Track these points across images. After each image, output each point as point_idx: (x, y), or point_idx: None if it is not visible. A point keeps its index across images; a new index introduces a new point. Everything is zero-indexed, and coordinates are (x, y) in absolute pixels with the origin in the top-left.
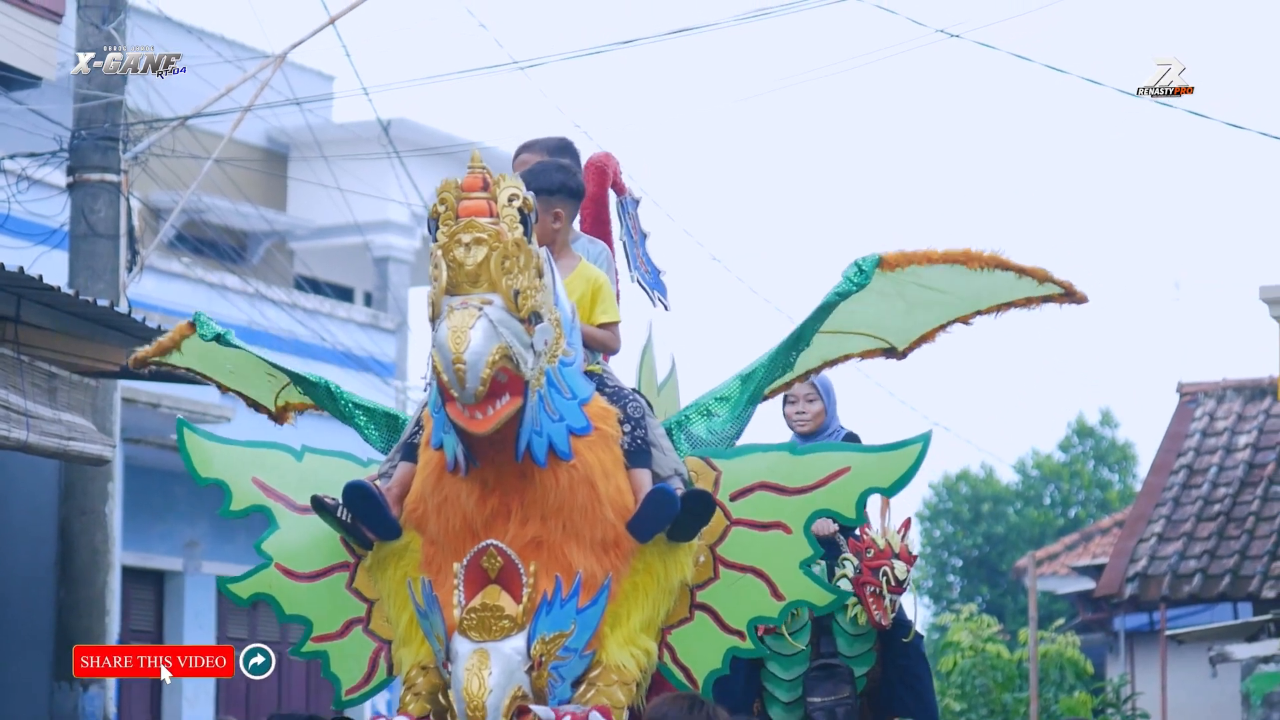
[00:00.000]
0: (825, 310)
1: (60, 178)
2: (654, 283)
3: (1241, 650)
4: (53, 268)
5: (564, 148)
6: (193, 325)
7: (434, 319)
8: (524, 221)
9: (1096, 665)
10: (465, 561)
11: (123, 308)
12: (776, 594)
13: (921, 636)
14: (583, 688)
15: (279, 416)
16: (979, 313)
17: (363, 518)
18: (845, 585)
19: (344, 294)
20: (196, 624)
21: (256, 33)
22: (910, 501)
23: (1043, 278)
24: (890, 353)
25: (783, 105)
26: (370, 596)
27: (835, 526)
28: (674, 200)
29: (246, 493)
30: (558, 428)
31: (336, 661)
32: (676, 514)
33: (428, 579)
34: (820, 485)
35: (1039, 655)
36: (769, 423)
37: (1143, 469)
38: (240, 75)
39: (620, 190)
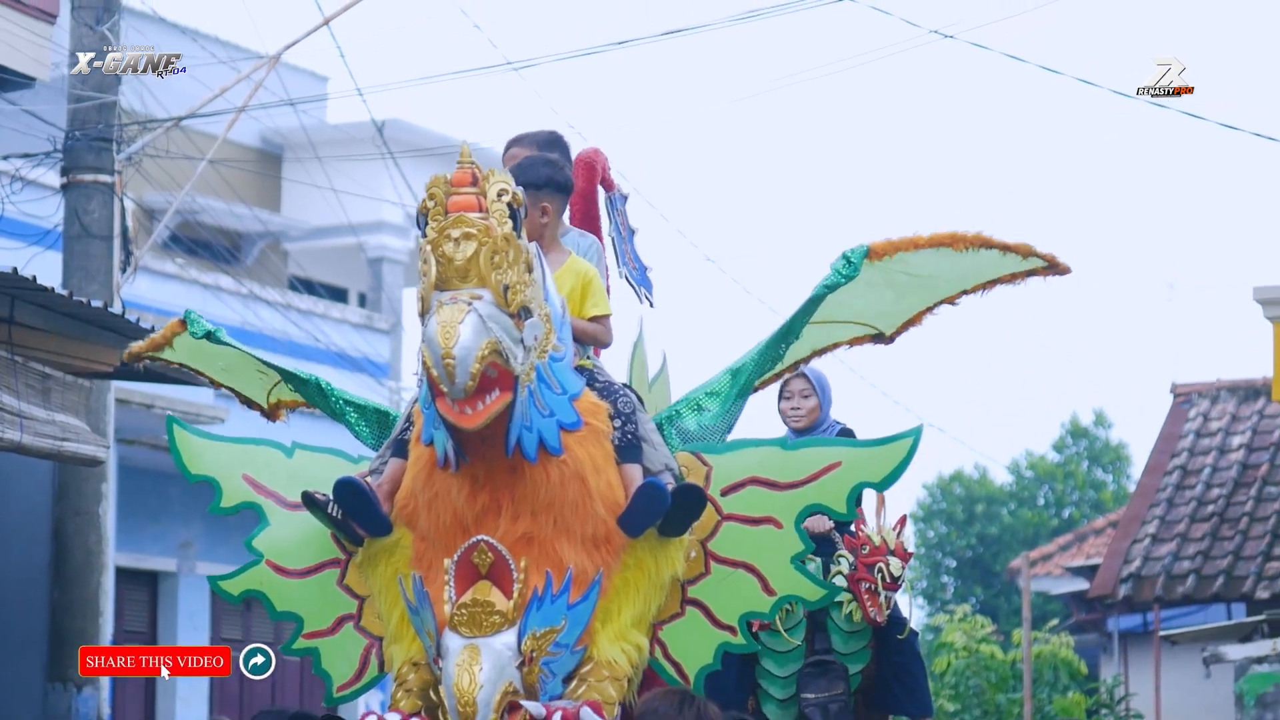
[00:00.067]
0: (814, 303)
1: (54, 178)
2: (641, 279)
3: (1235, 651)
4: (47, 268)
5: (553, 142)
6: (183, 323)
7: (423, 314)
8: (513, 216)
9: (1090, 666)
10: (456, 557)
11: (117, 308)
12: (768, 589)
13: (916, 634)
14: (574, 683)
15: (271, 413)
16: (965, 292)
17: (353, 514)
18: (840, 582)
19: (338, 295)
20: (190, 625)
21: (250, 33)
22: (904, 502)
23: (1026, 253)
24: (878, 338)
25: (777, 106)
26: (361, 593)
27: (831, 523)
28: (668, 200)
29: (237, 490)
30: (548, 423)
31: (328, 658)
32: (667, 508)
33: (418, 575)
34: (811, 480)
35: (1033, 656)
36: (764, 418)
37: (1137, 470)
38: (234, 76)
39: (609, 186)
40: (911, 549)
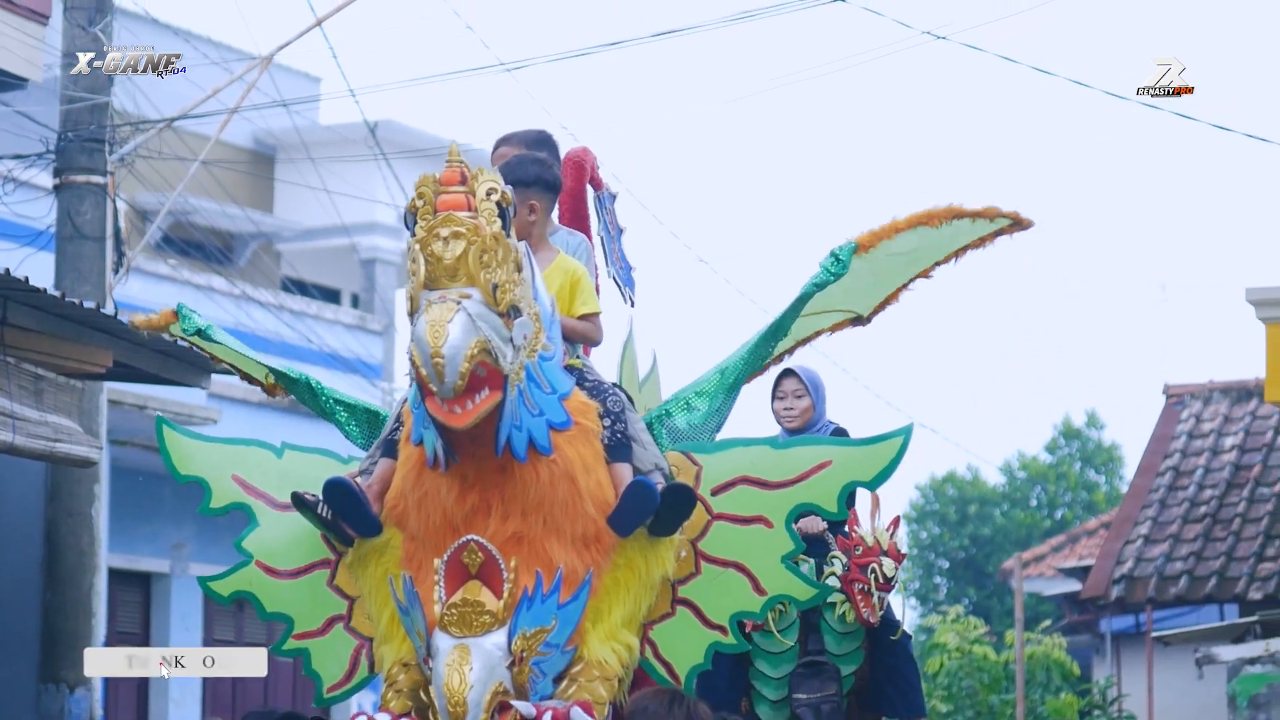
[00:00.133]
0: (803, 301)
1: (46, 179)
2: (625, 278)
3: (1228, 652)
4: (39, 269)
5: (542, 141)
6: (176, 314)
7: (412, 313)
8: (502, 215)
9: (1083, 667)
10: (446, 557)
11: (109, 310)
12: (758, 588)
13: (910, 636)
14: (564, 683)
15: (270, 390)
16: (937, 263)
17: (343, 514)
18: (834, 583)
19: (331, 296)
20: (183, 626)
21: (243, 34)
22: (897, 503)
23: (993, 215)
24: (856, 321)
25: (769, 107)
26: (351, 593)
27: (824, 524)
28: (660, 201)
29: (226, 490)
30: (537, 422)
31: (318, 659)
32: (656, 507)
33: (408, 575)
34: (802, 479)
35: (1025, 657)
36: (756, 417)
37: (1129, 471)
38: (227, 77)
39: (598, 185)
40: (905, 550)
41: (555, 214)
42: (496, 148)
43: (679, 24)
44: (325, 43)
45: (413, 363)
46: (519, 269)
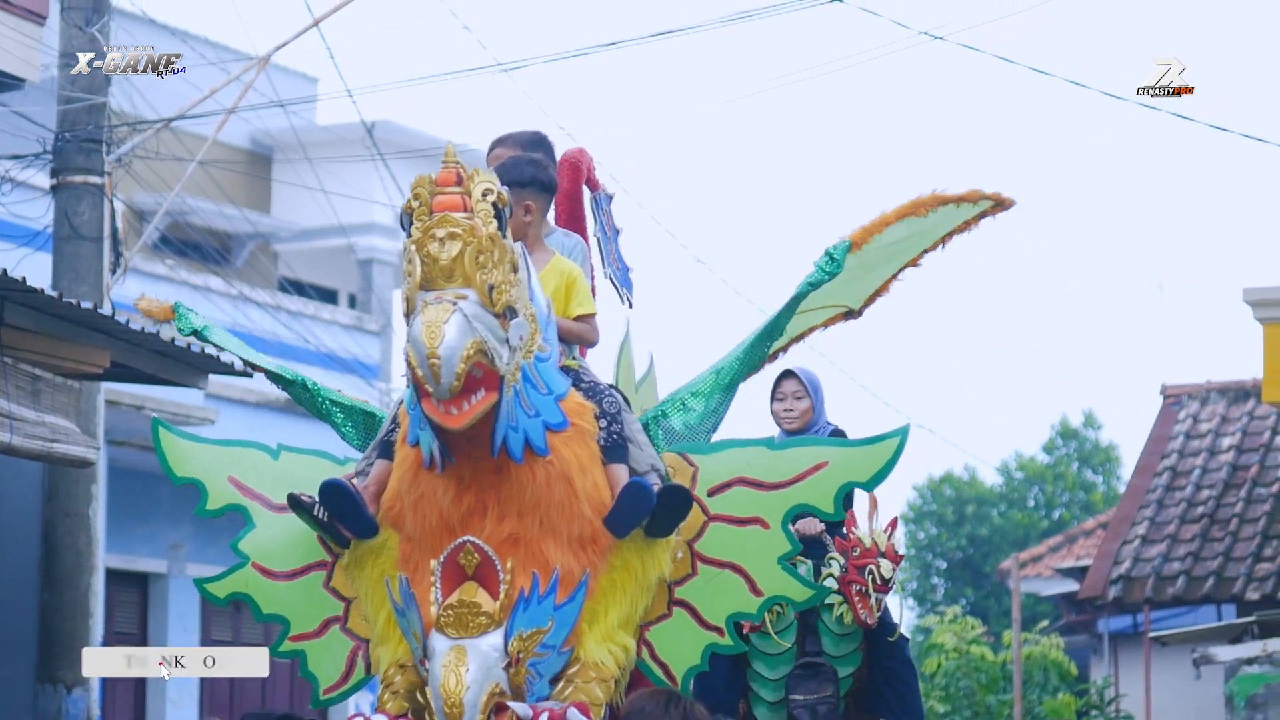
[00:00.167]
0: (798, 300)
1: (44, 180)
2: (623, 279)
3: (1225, 652)
4: (36, 270)
5: (537, 142)
6: (173, 311)
7: (408, 314)
8: (498, 216)
9: (1080, 667)
10: (442, 558)
11: (106, 310)
12: (755, 589)
13: (907, 639)
14: (561, 685)
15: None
16: (925, 251)
17: (339, 516)
18: (831, 584)
19: (328, 296)
20: (180, 626)
21: (240, 35)
22: (894, 503)
23: (975, 198)
24: (849, 315)
25: (767, 107)
26: (348, 595)
27: (822, 526)
28: (658, 201)
29: (223, 492)
30: (534, 423)
31: (314, 660)
32: (652, 508)
33: (405, 576)
34: (798, 480)
35: (1023, 657)
36: (753, 417)
37: (1126, 471)
38: (224, 77)
39: (594, 186)
40: (903, 551)
41: (551, 215)
42: (492, 149)
43: (676, 24)
44: (322, 43)
45: (409, 364)
46: (515, 270)
